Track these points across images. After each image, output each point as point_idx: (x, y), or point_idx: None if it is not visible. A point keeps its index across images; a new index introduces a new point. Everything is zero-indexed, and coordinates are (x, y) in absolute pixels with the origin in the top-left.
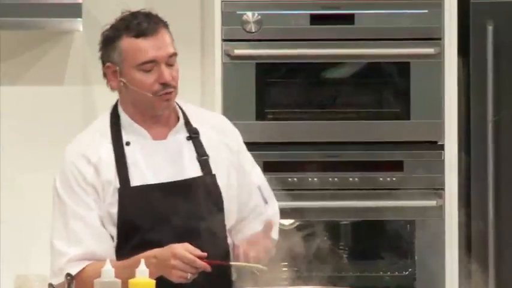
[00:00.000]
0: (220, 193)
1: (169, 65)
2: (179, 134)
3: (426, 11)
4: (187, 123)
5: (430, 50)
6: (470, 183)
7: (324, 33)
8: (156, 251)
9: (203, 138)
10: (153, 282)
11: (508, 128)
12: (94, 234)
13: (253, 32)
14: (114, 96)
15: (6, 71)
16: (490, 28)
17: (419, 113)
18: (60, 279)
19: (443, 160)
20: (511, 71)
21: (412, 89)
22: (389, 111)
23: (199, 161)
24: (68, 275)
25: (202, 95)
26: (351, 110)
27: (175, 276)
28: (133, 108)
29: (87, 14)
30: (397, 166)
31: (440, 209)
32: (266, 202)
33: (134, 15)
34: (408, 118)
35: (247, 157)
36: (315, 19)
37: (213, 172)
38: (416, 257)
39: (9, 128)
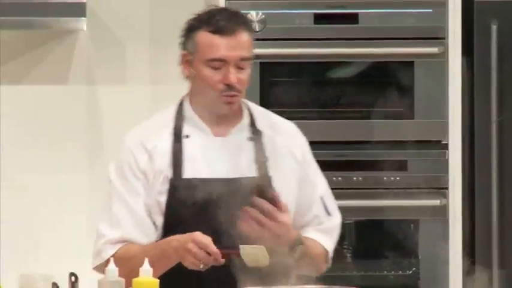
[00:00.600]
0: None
1: (240, 68)
2: (241, 133)
3: (430, 10)
4: (252, 123)
5: (434, 50)
6: (474, 183)
7: (328, 32)
8: (179, 235)
9: (266, 141)
10: (157, 281)
11: None
12: (135, 220)
13: (257, 31)
14: (118, 96)
15: (10, 70)
16: (494, 27)
17: (423, 112)
18: (97, 261)
19: (447, 159)
20: None
21: (416, 88)
22: (393, 110)
23: (257, 163)
24: (72, 274)
25: None
26: (355, 109)
27: (188, 261)
28: (198, 101)
29: (92, 13)
30: (401, 165)
31: (444, 209)
32: (329, 214)
33: (219, 11)
34: (412, 117)
35: (312, 167)
36: (319, 18)
37: (270, 174)
38: (420, 257)
39: (12, 127)
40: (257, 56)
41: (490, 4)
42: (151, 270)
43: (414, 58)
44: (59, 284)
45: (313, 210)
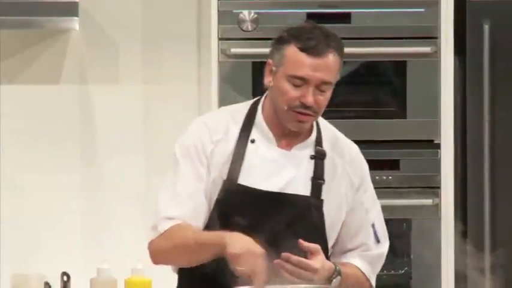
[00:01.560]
0: (323, 219)
1: (321, 90)
2: (305, 149)
3: (423, 9)
4: (318, 142)
5: (426, 49)
6: (467, 182)
7: None
8: (241, 235)
9: (328, 162)
10: (150, 280)
11: (504, 126)
12: (195, 204)
13: (249, 31)
14: (111, 96)
15: (2, 69)
16: (486, 27)
17: (416, 111)
18: (153, 234)
19: (440, 159)
20: (507, 69)
21: (408, 88)
22: (386, 109)
23: (313, 183)
24: (64, 273)
25: (198, 93)
26: (348, 108)
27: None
28: (271, 111)
29: (84, 13)
30: (393, 165)
31: (436, 208)
32: (378, 241)
33: (313, 28)
34: (404, 117)
35: (368, 193)
36: (312, 18)
37: (322, 197)
38: (412, 256)
39: (4, 126)
40: (250, 55)
41: (483, 4)
42: (143, 270)
43: (407, 57)
44: (51, 284)
45: (362, 236)
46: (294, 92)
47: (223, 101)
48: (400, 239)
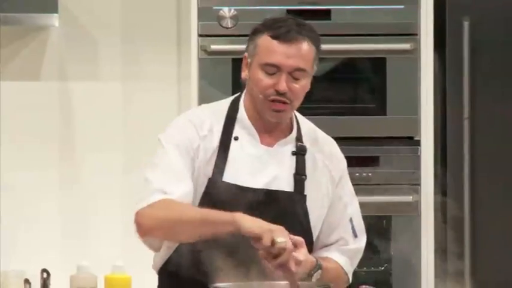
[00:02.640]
0: (307, 214)
1: (295, 78)
2: (287, 146)
3: (402, 6)
4: (299, 138)
5: (406, 46)
6: (446, 179)
7: None
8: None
9: (308, 158)
10: (130, 277)
11: (484, 123)
12: (185, 186)
13: (229, 28)
14: (91, 92)
15: None
16: (466, 24)
17: (396, 108)
18: (141, 205)
19: (420, 156)
20: (487, 66)
21: (388, 85)
22: (365, 106)
23: (295, 179)
24: (44, 270)
25: (178, 90)
26: (328, 105)
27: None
28: (252, 107)
29: (64, 9)
30: (373, 161)
31: (416, 205)
32: (356, 236)
33: (286, 19)
34: (384, 114)
35: (347, 187)
36: (291, 14)
37: (305, 193)
38: (392, 253)
39: None
40: (230, 52)
41: (462, 1)
42: (124, 266)
43: (386, 54)
44: (31, 280)
45: (340, 231)
46: (267, 80)
47: (204, 98)
48: (380, 235)
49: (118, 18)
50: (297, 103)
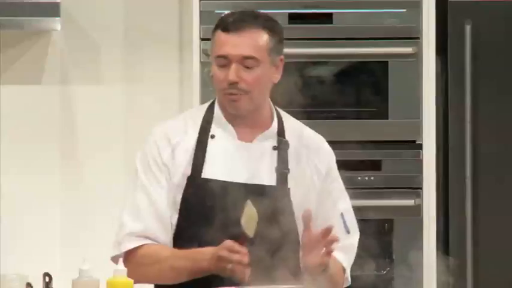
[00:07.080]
0: (291, 208)
1: (246, 67)
2: (267, 140)
3: (404, 10)
4: (280, 133)
5: (408, 49)
6: (448, 183)
7: (303, 32)
8: (212, 247)
9: (292, 152)
10: (131, 281)
11: (486, 127)
12: (157, 214)
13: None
14: (92, 96)
15: None
16: (468, 27)
17: (398, 112)
18: (115, 251)
19: (422, 159)
20: (489, 70)
21: (390, 88)
22: (368, 110)
23: (278, 173)
24: (46, 274)
25: (180, 94)
26: (330, 109)
27: (224, 269)
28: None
29: (66, 13)
30: (375, 165)
31: (418, 208)
32: (348, 232)
33: (236, 12)
34: (386, 117)
35: (336, 183)
36: (294, 18)
37: (289, 186)
38: (394, 256)
39: None
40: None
41: (464, 4)
42: (125, 270)
43: (388, 58)
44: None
45: (331, 224)
46: (220, 73)
47: (205, 101)
48: (382, 239)
49: (120, 22)
50: (257, 93)
